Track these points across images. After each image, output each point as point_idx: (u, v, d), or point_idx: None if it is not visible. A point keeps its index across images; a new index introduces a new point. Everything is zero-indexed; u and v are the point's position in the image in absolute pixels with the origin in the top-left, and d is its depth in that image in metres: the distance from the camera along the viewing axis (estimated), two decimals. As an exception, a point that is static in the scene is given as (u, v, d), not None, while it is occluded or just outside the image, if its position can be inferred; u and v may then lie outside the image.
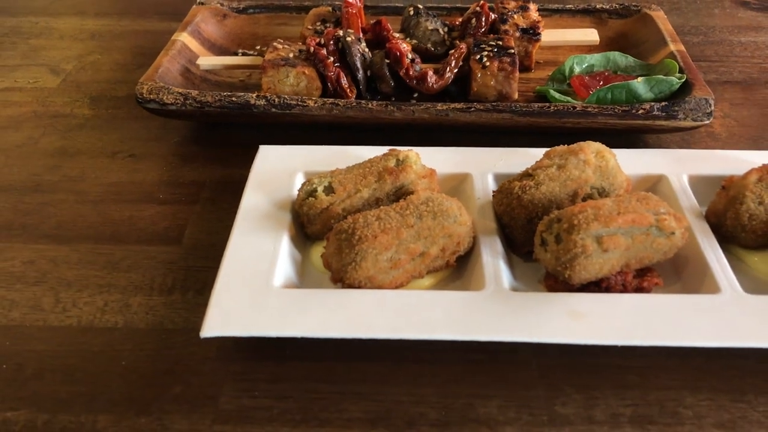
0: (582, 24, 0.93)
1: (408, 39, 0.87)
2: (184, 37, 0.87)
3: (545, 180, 0.62)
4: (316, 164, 0.69)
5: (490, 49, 0.80)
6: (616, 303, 0.55)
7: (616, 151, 0.68)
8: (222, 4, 0.97)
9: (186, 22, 0.90)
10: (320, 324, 0.53)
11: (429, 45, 0.87)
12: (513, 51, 0.79)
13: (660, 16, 0.90)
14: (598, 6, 0.95)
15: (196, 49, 0.88)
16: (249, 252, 0.60)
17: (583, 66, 0.84)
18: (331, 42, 0.80)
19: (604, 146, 0.64)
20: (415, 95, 0.81)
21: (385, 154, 0.66)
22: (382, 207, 0.60)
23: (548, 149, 0.64)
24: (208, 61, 0.84)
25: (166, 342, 0.57)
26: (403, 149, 0.66)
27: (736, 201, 0.61)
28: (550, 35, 0.88)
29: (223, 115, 0.76)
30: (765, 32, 1.01)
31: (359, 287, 0.56)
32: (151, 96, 0.75)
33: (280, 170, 0.69)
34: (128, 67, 0.95)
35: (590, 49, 0.89)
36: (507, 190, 0.63)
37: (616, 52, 0.85)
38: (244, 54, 0.91)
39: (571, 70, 0.83)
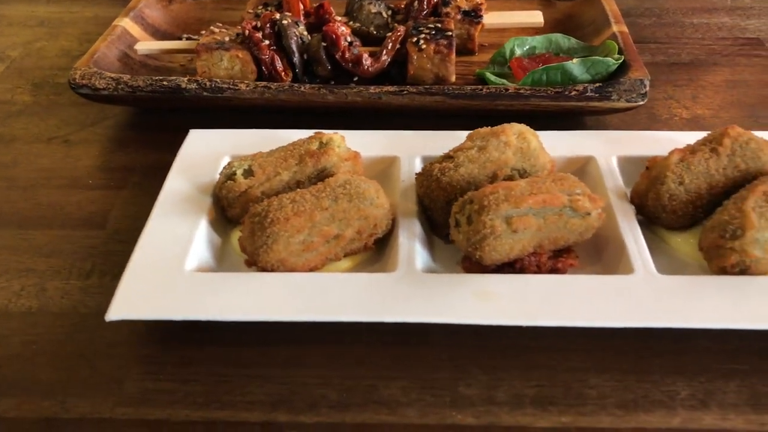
0: (530, 6, 0.92)
1: (351, 22, 0.87)
2: (126, 23, 0.86)
3: (465, 162, 0.61)
4: (244, 148, 0.68)
5: (428, 32, 0.79)
6: (527, 284, 0.54)
7: (546, 132, 0.67)
8: (168, -11, 0.96)
9: (129, 8, 0.90)
10: (227, 307, 0.53)
11: (372, 28, 0.86)
12: (450, 33, 0.79)
13: (607, -2, 0.89)
14: (546, -12, 0.94)
15: (138, 34, 0.87)
16: (164, 236, 0.59)
17: (525, 48, 0.83)
18: (268, 25, 0.79)
19: (527, 128, 0.64)
20: (355, 79, 0.80)
21: (309, 137, 0.65)
22: (298, 190, 0.59)
23: (471, 131, 0.64)
24: (146, 46, 0.83)
25: (78, 326, 0.56)
26: (327, 132, 0.65)
27: (657, 181, 0.60)
28: (493, 18, 0.88)
29: (155, 99, 0.75)
30: (718, 13, 1.00)
31: (272, 270, 0.56)
32: (84, 81, 0.75)
33: (206, 154, 0.68)
34: (74, 53, 0.94)
35: (536, 31, 0.88)
36: (428, 172, 0.62)
37: (559, 34, 0.84)
38: (188, 39, 0.90)
39: (512, 52, 0.82)
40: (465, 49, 0.86)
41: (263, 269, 0.56)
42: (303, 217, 0.56)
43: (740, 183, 0.60)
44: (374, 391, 0.51)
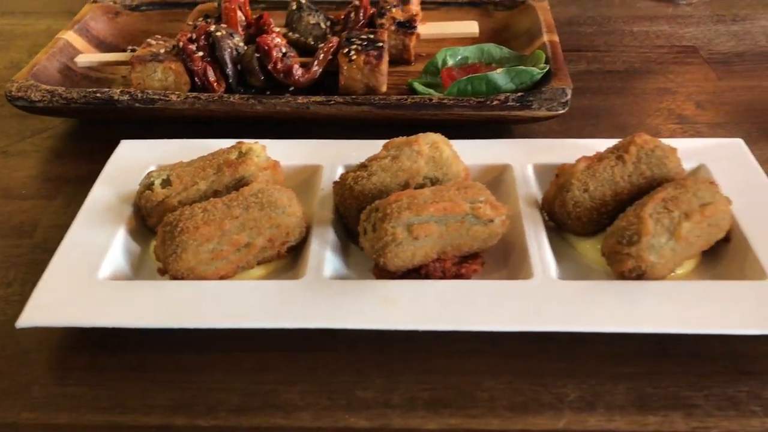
0: (468, 17, 0.94)
1: (290, 33, 0.88)
2: (69, 35, 0.88)
3: (377, 171, 0.63)
4: (173, 158, 0.69)
5: (359, 43, 0.81)
6: (428, 289, 0.56)
7: (465, 141, 0.69)
8: (115, 2, 0.98)
9: (75, 21, 0.92)
10: (134, 315, 0.54)
11: (310, 39, 0.88)
12: (381, 44, 0.80)
13: (542, 7, 0.91)
14: (485, -1, 0.96)
15: (83, 47, 0.89)
16: (82, 244, 0.61)
17: (457, 58, 0.85)
18: (203, 37, 0.81)
19: (440, 137, 0.65)
20: (291, 89, 0.82)
21: (230, 147, 0.67)
22: (211, 199, 0.61)
23: (387, 141, 0.65)
24: (85, 58, 0.85)
25: (-6, 334, 0.58)
26: (248, 142, 0.67)
27: (564, 189, 0.62)
28: (429, 28, 0.89)
29: (90, 111, 0.77)
30: (659, 21, 1.02)
31: (182, 278, 0.58)
32: (20, 94, 0.77)
33: (134, 164, 0.70)
34: (22, 65, 0.95)
35: (473, 41, 0.89)
36: (343, 181, 0.64)
37: (491, 44, 0.86)
38: (133, 51, 0.91)
39: (444, 62, 0.84)
40: (401, 59, 0.88)
41: (174, 277, 0.58)
42: (212, 225, 0.58)
43: (645, 190, 0.62)
44: (273, 396, 0.52)
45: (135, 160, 0.70)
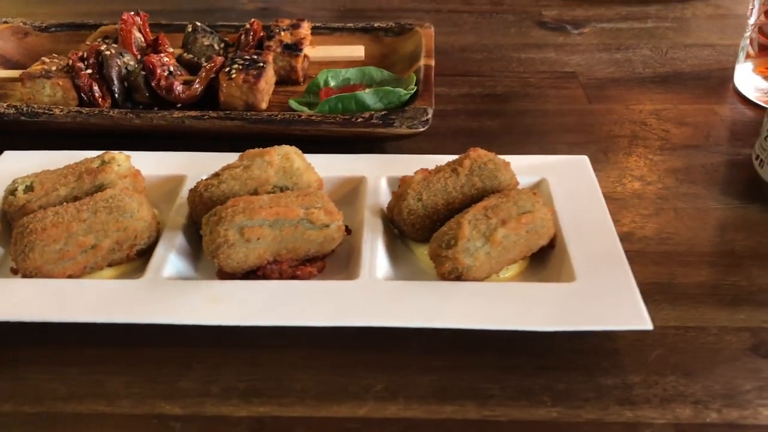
0: (359, 41, 0.99)
1: (185, 54, 0.93)
2: (-28, 53, 0.92)
3: (228, 179, 0.67)
4: (49, 168, 0.74)
5: (242, 62, 0.85)
6: (255, 288, 0.60)
7: (327, 156, 0.74)
8: (25, 23, 1.02)
9: (-20, 39, 0.96)
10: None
11: (203, 60, 0.92)
12: (262, 65, 0.85)
13: (426, 33, 0.96)
14: (376, 25, 1.00)
15: (-15, 64, 0.93)
16: (-59, 246, 0.64)
17: (339, 79, 0.89)
18: (93, 56, 0.85)
19: (293, 149, 0.69)
20: (179, 105, 0.86)
21: (96, 156, 0.71)
22: (65, 203, 0.64)
23: (243, 152, 0.69)
24: (-19, 74, 0.89)
25: None
26: (114, 152, 0.71)
27: (401, 198, 0.66)
28: (317, 51, 0.94)
29: (-22, 123, 0.81)
30: (548, 49, 1.07)
31: (31, 276, 0.61)
32: None
33: (13, 173, 0.73)
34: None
35: (361, 64, 0.94)
36: (195, 188, 0.67)
37: (372, 67, 0.90)
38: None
39: (326, 82, 0.89)
40: (290, 79, 0.92)
41: (24, 276, 0.61)
42: (60, 227, 0.61)
43: (477, 200, 0.66)
44: (100, 386, 0.55)
45: (14, 170, 0.74)
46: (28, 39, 1.01)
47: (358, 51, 0.94)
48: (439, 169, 0.68)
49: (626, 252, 0.64)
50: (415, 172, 0.68)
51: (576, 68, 1.02)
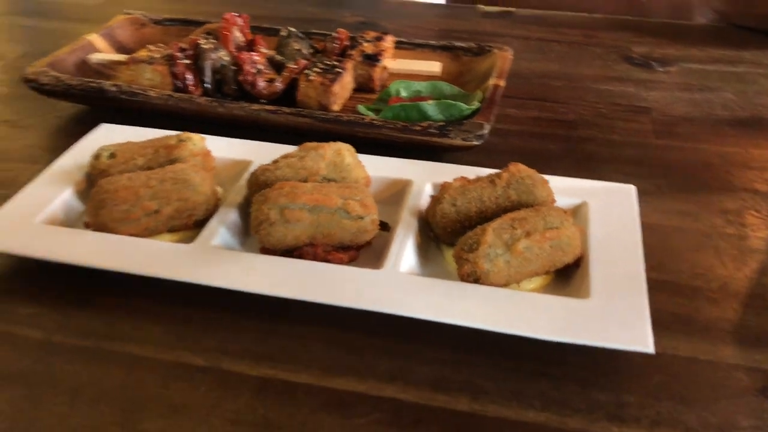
0: (439, 58, 1.03)
1: (277, 56, 1.01)
2: (93, 37, 1.04)
3: (283, 166, 0.73)
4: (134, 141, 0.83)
5: (323, 67, 0.92)
6: (287, 265, 0.65)
7: (380, 157, 0.79)
8: (144, 15, 1.13)
9: (104, 26, 1.07)
10: (48, 251, 0.66)
11: (291, 62, 0.99)
12: (339, 70, 0.91)
13: (503, 56, 0.99)
14: (457, 44, 1.05)
15: (104, 48, 1.04)
16: (33, 196, 0.74)
17: (411, 90, 0.94)
18: (192, 48, 0.94)
19: (346, 146, 0.75)
20: (262, 101, 0.93)
21: (175, 135, 0.79)
22: (139, 171, 0.73)
23: (302, 144, 0.76)
24: (97, 56, 1.00)
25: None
26: (192, 133, 0.79)
27: (437, 201, 0.70)
28: (396, 63, 1.00)
29: (86, 98, 0.91)
30: (628, 83, 1.08)
31: (99, 231, 0.69)
32: (32, 77, 0.92)
33: (102, 142, 0.83)
34: (59, 60, 1.12)
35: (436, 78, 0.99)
36: (254, 172, 0.74)
37: (444, 82, 0.95)
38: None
39: (397, 92, 0.94)
40: (367, 87, 0.98)
41: (94, 230, 0.70)
42: (129, 191, 0.69)
43: (509, 212, 0.69)
44: (135, 331, 0.62)
45: (106, 140, 0.83)
46: (144, 30, 1.12)
47: (434, 66, 0.99)
48: (478, 179, 0.71)
49: (655, 281, 0.65)
50: (454, 179, 0.71)
51: (652, 104, 1.02)
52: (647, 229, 0.75)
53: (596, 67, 1.14)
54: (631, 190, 0.77)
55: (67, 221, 0.74)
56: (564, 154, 0.90)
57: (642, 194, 0.80)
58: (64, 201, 0.74)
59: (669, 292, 0.68)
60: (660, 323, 0.63)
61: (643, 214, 0.77)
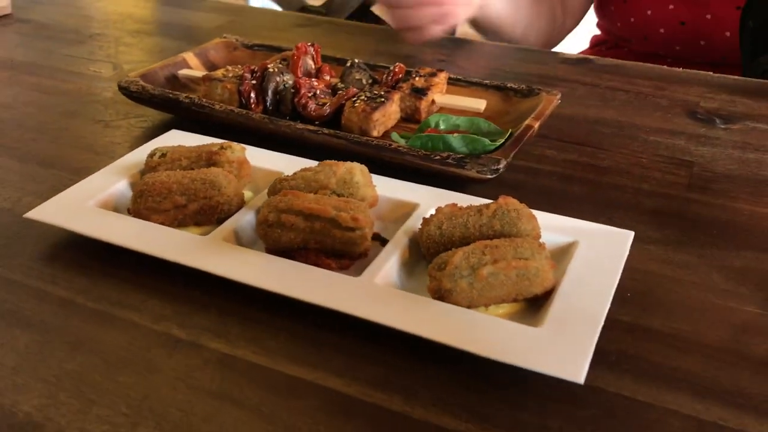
0: (490, 97, 1.08)
1: (339, 84, 1.10)
2: (188, 55, 1.19)
3: (298, 178, 0.82)
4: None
5: (370, 95, 1.00)
6: (275, 262, 0.73)
7: (395, 180, 0.86)
8: (237, 40, 1.27)
9: (200, 47, 1.22)
10: (93, 229, 0.78)
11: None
12: (383, 100, 0.99)
13: (549, 99, 1.03)
14: (509, 85, 1.09)
15: (195, 65, 1.19)
16: (94, 183, 0.87)
17: (449, 124, 1.00)
18: (260, 70, 1.06)
19: (359, 166, 0.82)
20: (316, 122, 1.03)
21: (219, 142, 0.90)
22: (178, 170, 0.84)
23: (324, 161, 0.84)
24: (183, 72, 1.14)
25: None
26: (234, 143, 0.89)
27: (426, 223, 0.76)
28: (444, 98, 1.06)
29: (166, 106, 1.05)
30: (680, 137, 1.07)
31: (136, 217, 0.81)
32: (125, 85, 1.07)
33: (167, 144, 0.95)
34: (162, 73, 1.28)
35: (479, 115, 1.04)
36: (274, 181, 0.83)
37: (481, 119, 1.00)
38: (232, 76, 1.19)
39: (437, 124, 1.00)
40: (412, 118, 1.05)
41: (133, 215, 0.81)
42: (164, 185, 0.80)
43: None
44: (138, 303, 0.72)
45: (171, 143, 0.96)
46: (235, 53, 1.26)
47: (479, 104, 1.04)
48: (468, 207, 0.76)
49: (625, 323, 0.68)
50: (446, 205, 0.77)
51: (697, 158, 1.02)
52: (642, 275, 0.77)
53: (655, 118, 1.14)
54: (627, 235, 0.78)
55: (117, 207, 0.86)
56: (585, 198, 0.92)
57: (647, 242, 0.82)
58: (118, 189, 0.87)
59: (637, 337, 0.69)
60: (614, 363, 0.65)
61: (642, 261, 0.79)
